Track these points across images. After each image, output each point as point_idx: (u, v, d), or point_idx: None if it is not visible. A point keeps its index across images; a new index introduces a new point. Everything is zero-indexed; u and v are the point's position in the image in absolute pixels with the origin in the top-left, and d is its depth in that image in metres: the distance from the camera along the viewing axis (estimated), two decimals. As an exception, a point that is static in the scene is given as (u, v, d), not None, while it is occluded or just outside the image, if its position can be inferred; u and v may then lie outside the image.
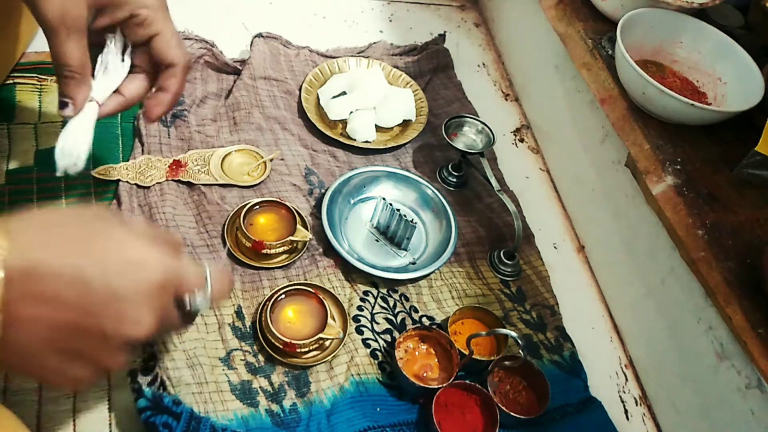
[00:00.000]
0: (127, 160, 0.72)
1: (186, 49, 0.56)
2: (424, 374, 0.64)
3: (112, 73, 0.53)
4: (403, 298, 0.71)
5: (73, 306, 0.36)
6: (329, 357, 0.63)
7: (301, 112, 0.85)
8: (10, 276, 0.34)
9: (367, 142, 0.83)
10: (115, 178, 0.70)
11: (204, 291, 0.44)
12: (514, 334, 0.61)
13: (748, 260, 0.60)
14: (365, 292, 0.70)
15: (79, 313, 0.37)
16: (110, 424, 0.55)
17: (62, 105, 0.50)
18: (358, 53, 0.94)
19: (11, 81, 0.75)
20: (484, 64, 1.05)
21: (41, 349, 0.37)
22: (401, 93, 0.89)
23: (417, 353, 0.65)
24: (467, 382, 0.62)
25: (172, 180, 0.72)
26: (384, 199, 0.74)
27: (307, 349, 0.62)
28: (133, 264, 0.38)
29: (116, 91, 0.54)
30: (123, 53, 0.53)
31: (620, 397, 0.72)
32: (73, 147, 0.50)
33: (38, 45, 0.79)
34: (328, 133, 0.82)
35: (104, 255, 0.38)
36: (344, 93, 0.87)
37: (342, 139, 0.82)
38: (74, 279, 0.36)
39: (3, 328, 0.35)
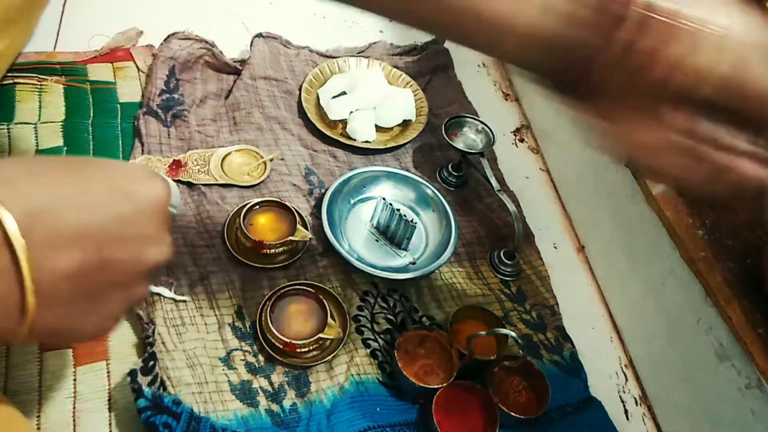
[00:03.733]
0: (127, 160, 0.72)
1: None
2: (424, 374, 0.64)
3: None
4: (403, 298, 0.71)
5: (94, 238, 0.34)
6: (329, 357, 0.63)
7: (301, 112, 0.85)
8: (24, 223, 0.30)
9: (367, 142, 0.83)
10: (115, 178, 0.70)
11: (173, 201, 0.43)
12: (514, 334, 0.61)
13: (748, 260, 0.60)
14: (365, 292, 0.70)
15: (102, 246, 0.34)
16: (110, 424, 0.55)
17: None
18: (358, 53, 0.94)
19: (11, 81, 0.75)
20: (484, 64, 1.05)
21: (76, 295, 0.34)
22: (401, 93, 0.89)
23: (417, 353, 0.65)
24: (467, 382, 0.62)
25: (172, 180, 0.72)
26: (384, 199, 0.74)
27: (307, 349, 0.62)
28: (136, 185, 0.37)
29: None
30: None
31: (620, 397, 0.72)
32: None
33: (38, 45, 0.79)
34: (328, 133, 0.82)
35: (105, 182, 0.35)
36: (344, 93, 0.87)
37: (342, 139, 0.82)
38: (85, 210, 0.33)
39: (37, 284, 0.31)
